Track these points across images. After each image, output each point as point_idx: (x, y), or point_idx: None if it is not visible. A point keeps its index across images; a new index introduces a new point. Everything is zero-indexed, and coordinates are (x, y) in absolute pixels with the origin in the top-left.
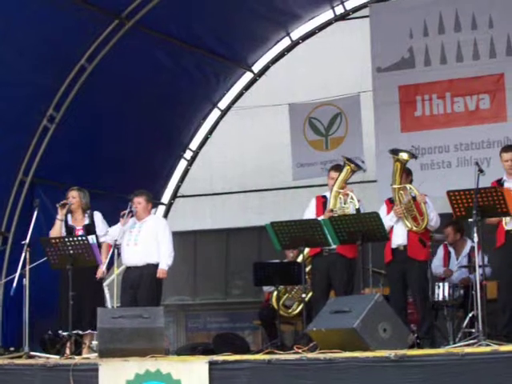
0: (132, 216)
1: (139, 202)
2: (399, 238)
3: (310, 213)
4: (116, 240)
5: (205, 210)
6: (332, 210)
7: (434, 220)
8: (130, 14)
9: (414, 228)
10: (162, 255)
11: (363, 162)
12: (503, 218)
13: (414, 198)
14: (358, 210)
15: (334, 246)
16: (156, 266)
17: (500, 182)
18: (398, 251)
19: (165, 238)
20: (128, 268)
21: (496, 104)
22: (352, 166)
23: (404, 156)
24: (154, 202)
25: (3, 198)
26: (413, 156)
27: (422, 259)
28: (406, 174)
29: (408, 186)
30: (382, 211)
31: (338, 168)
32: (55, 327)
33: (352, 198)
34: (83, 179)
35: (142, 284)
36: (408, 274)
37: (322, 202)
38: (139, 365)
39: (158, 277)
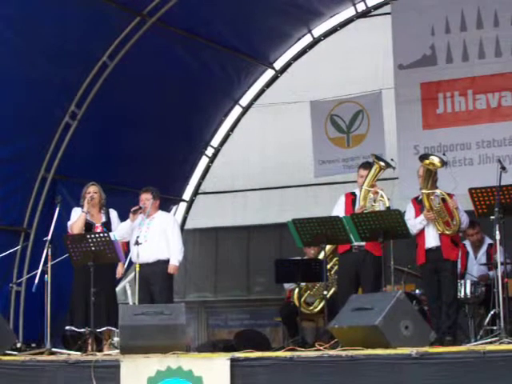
0: (141, 213)
1: (147, 198)
2: (432, 240)
3: (339, 209)
4: (138, 237)
5: (226, 206)
6: (364, 208)
7: (465, 222)
8: (152, 11)
9: (446, 232)
10: (173, 251)
11: (392, 159)
12: None
13: (443, 200)
14: (388, 208)
15: (362, 243)
16: (167, 261)
17: None
18: (431, 252)
19: (174, 233)
20: (140, 265)
21: None
22: (381, 164)
23: (435, 161)
24: (177, 198)
25: (25, 194)
26: (444, 163)
27: (455, 259)
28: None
29: (438, 191)
30: (410, 211)
31: (367, 166)
32: (68, 324)
33: (382, 197)
34: (104, 175)
35: (156, 280)
36: (442, 274)
37: (352, 199)
38: (161, 361)
39: (169, 272)
